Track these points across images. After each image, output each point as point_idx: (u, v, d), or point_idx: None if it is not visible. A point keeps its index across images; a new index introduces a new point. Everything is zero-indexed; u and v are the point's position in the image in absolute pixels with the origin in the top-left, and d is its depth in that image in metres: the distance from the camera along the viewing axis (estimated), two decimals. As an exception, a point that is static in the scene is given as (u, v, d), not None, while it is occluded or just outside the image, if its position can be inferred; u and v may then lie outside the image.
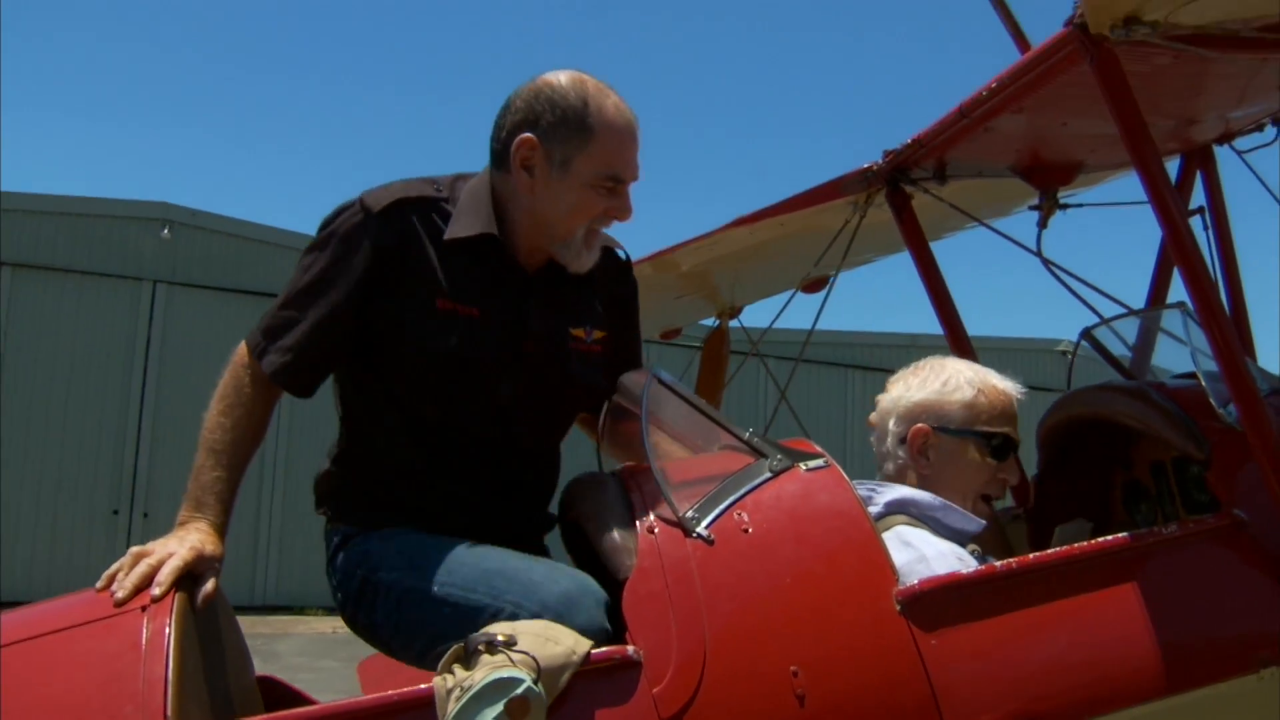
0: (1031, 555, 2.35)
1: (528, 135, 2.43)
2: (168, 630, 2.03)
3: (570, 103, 2.42)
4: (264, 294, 18.64)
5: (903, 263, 4.12)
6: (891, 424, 2.71)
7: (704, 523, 2.21)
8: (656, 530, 2.22)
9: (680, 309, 5.81)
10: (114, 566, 2.20)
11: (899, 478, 2.68)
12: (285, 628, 13.88)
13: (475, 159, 2.50)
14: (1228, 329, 2.46)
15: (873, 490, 2.62)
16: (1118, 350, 3.47)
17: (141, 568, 2.15)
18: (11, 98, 30.95)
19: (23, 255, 16.86)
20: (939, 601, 2.19)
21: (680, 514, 2.22)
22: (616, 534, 2.27)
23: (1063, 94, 2.76)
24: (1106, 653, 2.26)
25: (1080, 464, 3.23)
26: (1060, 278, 3.36)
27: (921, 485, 2.64)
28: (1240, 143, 3.58)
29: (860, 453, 2.78)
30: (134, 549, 2.23)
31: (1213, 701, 2.27)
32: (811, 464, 2.35)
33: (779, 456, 2.36)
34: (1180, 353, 3.13)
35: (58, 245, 17.17)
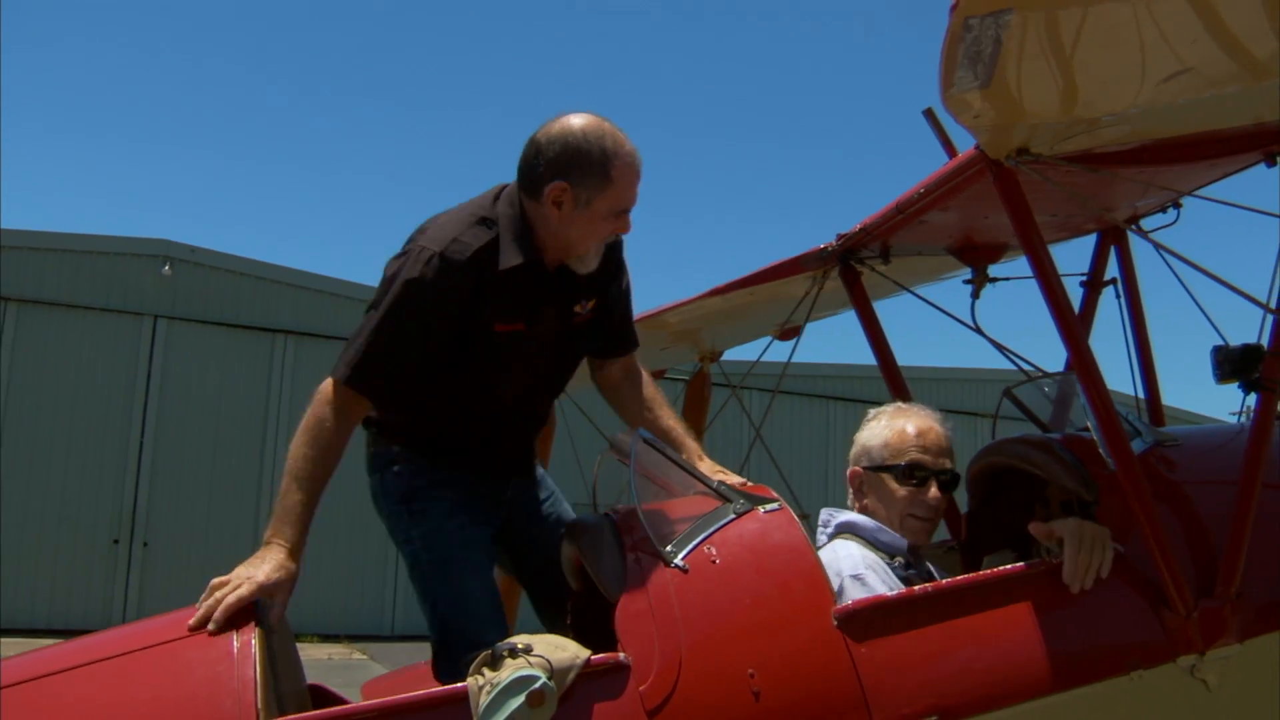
0: (944, 580, 2.90)
1: (561, 182, 3.06)
2: (253, 642, 2.57)
3: (595, 157, 3.05)
4: (262, 329, 19.30)
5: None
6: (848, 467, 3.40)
7: (680, 555, 2.76)
8: (642, 561, 2.76)
9: (667, 356, 6.43)
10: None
11: (853, 507, 3.35)
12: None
13: (496, 176, 3.24)
14: (1105, 395, 2.98)
15: (831, 514, 3.31)
16: (1041, 402, 4.05)
17: (210, 601, 2.67)
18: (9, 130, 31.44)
19: (25, 291, 17.28)
20: (868, 618, 2.74)
21: (661, 548, 2.76)
22: (610, 565, 2.81)
23: (980, 195, 3.30)
24: (1004, 658, 2.80)
25: (1005, 501, 3.76)
26: (992, 342, 3.94)
27: (864, 513, 3.30)
28: (1148, 222, 4.13)
29: (841, 477, 3.51)
30: (214, 580, 2.75)
31: (1091, 698, 2.81)
32: (768, 507, 2.91)
33: (741, 501, 2.91)
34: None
35: (60, 281, 17.58)
